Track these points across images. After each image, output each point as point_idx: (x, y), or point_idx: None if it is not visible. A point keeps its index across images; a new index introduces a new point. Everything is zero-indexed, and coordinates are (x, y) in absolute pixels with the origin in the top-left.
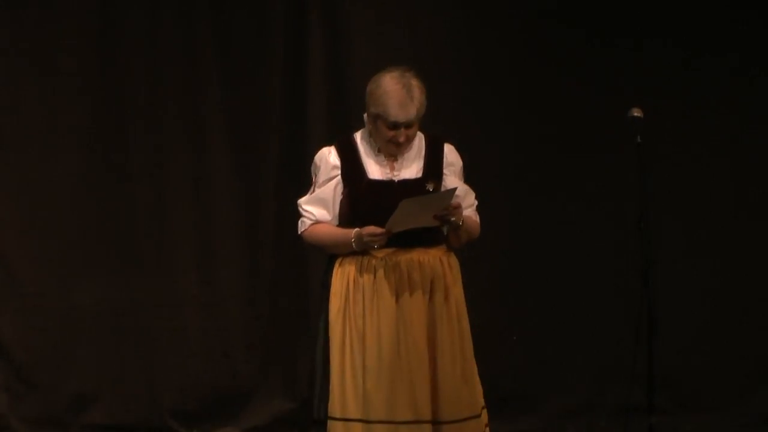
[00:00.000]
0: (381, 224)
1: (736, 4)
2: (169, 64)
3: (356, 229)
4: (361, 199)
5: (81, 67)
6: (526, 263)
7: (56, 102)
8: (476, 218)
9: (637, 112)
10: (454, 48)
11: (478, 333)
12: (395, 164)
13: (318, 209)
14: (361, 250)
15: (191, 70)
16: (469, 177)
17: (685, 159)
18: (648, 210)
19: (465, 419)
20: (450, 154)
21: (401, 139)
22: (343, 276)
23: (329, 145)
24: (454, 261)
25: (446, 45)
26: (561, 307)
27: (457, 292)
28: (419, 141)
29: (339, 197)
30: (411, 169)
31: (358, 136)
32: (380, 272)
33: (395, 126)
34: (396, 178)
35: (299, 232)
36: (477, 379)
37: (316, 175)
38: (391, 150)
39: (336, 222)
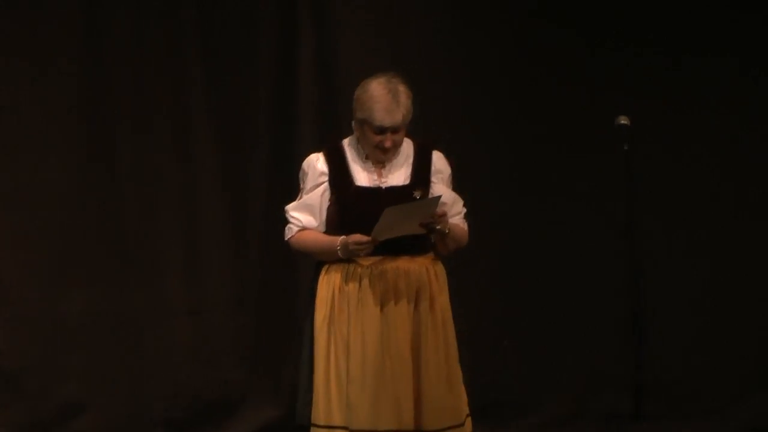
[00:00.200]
0: (368, 231)
1: (726, 7)
2: (155, 69)
3: (342, 237)
4: (349, 205)
5: (67, 75)
6: (515, 270)
7: (42, 111)
8: (464, 226)
9: (624, 120)
10: (443, 52)
11: (466, 340)
12: (383, 171)
13: (305, 216)
14: (347, 258)
15: (178, 74)
16: (457, 182)
17: (675, 163)
18: (636, 217)
19: (448, 428)
20: (438, 161)
21: (387, 144)
22: (329, 283)
23: (317, 151)
24: (441, 269)
25: (436, 49)
26: (550, 314)
27: (443, 300)
28: (407, 148)
29: (326, 204)
30: (399, 176)
31: (346, 143)
32: (366, 281)
33: (381, 131)
34: (383, 185)
35: (286, 239)
36: (462, 387)
37: (303, 182)
38: (378, 156)
39: (323, 228)
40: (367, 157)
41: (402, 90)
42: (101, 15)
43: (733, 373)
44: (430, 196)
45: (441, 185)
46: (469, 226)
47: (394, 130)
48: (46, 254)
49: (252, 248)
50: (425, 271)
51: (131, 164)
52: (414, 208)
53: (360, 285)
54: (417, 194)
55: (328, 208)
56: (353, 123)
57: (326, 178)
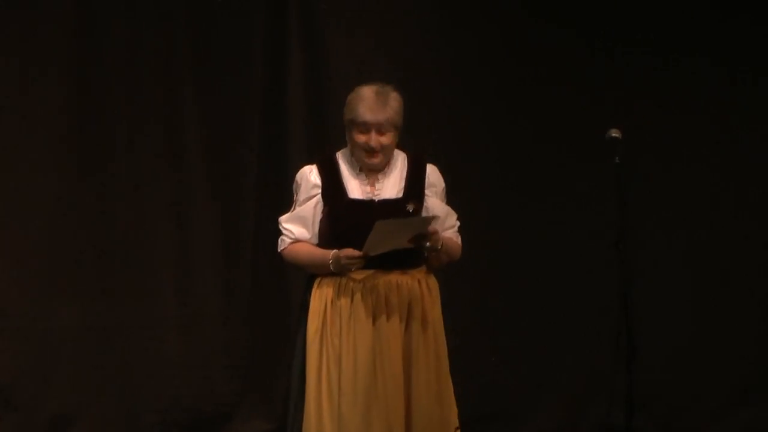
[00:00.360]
0: (360, 244)
1: (719, 16)
2: (146, 79)
3: (334, 251)
4: (341, 218)
5: (56, 86)
6: (505, 282)
7: (31, 122)
8: (458, 240)
9: (615, 133)
10: (433, 58)
11: (457, 353)
12: (376, 184)
13: (297, 227)
14: (338, 272)
15: (168, 84)
16: (448, 194)
17: (665, 176)
18: (626, 230)
19: None
20: (432, 174)
21: (372, 143)
22: (321, 296)
23: (309, 162)
24: (434, 283)
25: (426, 54)
26: (540, 327)
27: (435, 314)
28: (401, 161)
29: (319, 216)
30: (392, 188)
31: (339, 155)
32: (357, 295)
33: (365, 127)
34: (376, 198)
35: (279, 250)
36: (452, 400)
37: (296, 194)
38: (365, 161)
39: (316, 241)
40: (360, 170)
41: (392, 95)
42: (94, 23)
43: (724, 386)
44: (423, 209)
45: (435, 198)
46: (462, 239)
47: (379, 129)
48: (35, 267)
49: (243, 261)
50: (417, 284)
51: (120, 176)
52: (406, 224)
53: (352, 299)
54: (410, 207)
55: (321, 220)
56: (346, 134)
57: (319, 190)
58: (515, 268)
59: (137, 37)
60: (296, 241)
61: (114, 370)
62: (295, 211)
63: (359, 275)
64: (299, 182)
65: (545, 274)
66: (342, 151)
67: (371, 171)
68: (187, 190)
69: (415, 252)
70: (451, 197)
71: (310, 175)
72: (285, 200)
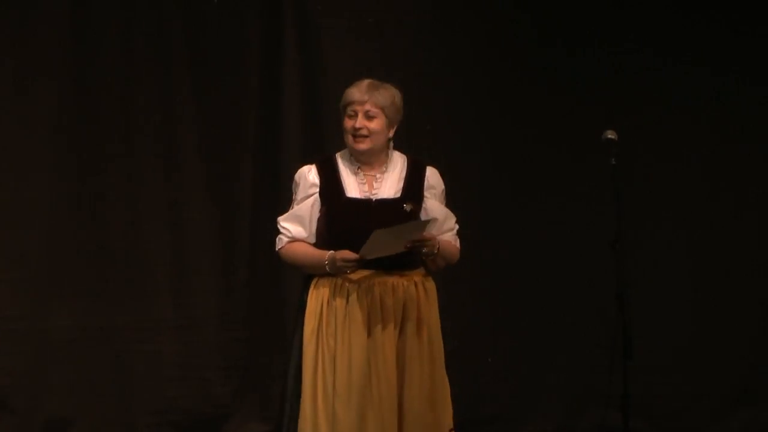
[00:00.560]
0: (358, 244)
1: (714, 18)
2: (143, 85)
3: (330, 252)
4: (339, 217)
5: (51, 90)
6: (502, 286)
7: (28, 125)
8: (456, 243)
9: (611, 134)
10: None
11: (454, 355)
12: (374, 183)
13: (294, 226)
14: (334, 273)
15: (164, 88)
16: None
17: (661, 176)
18: (623, 231)
19: None
20: (432, 176)
21: (357, 125)
22: (318, 297)
23: (306, 163)
24: (431, 285)
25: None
26: (538, 329)
27: (432, 316)
28: (401, 162)
29: (316, 215)
30: (390, 188)
31: (339, 155)
32: (353, 296)
33: (353, 111)
34: (374, 197)
35: (276, 249)
36: (447, 402)
37: (295, 193)
38: (354, 147)
39: (313, 240)
40: (359, 169)
41: (388, 86)
42: (90, 25)
43: (721, 387)
44: (422, 210)
45: (434, 200)
46: (461, 243)
47: (367, 113)
48: (32, 269)
49: (239, 263)
50: (414, 286)
51: (117, 178)
52: (403, 230)
53: (347, 300)
54: (407, 207)
55: (319, 220)
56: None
57: (317, 190)
58: (512, 270)
59: (133, 39)
60: (293, 240)
61: (111, 371)
62: (292, 210)
63: (355, 276)
64: (298, 181)
65: (542, 276)
66: (342, 152)
67: (369, 170)
68: (184, 191)
69: (412, 254)
70: (448, 199)
71: (308, 175)
72: (281, 202)
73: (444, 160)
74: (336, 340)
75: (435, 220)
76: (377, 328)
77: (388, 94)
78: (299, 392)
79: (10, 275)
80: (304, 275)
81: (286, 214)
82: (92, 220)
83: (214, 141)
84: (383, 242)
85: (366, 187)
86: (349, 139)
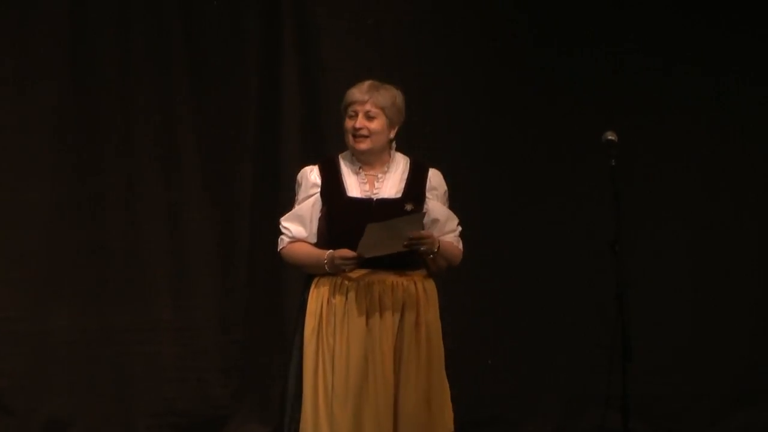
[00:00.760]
0: (358, 244)
1: (713, 20)
2: (141, 87)
3: (329, 251)
4: (339, 216)
5: (51, 92)
6: (502, 286)
7: (27, 127)
8: (458, 245)
9: (611, 136)
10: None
11: (453, 357)
12: (375, 183)
13: (295, 226)
14: (333, 272)
15: (163, 91)
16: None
17: (661, 177)
18: (623, 232)
19: None
20: (434, 178)
21: (358, 125)
22: (318, 296)
23: (305, 165)
24: (431, 285)
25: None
26: (537, 330)
27: (430, 316)
28: (403, 163)
29: (317, 215)
30: (391, 188)
31: (341, 156)
32: (352, 294)
33: (353, 111)
34: (375, 197)
35: (278, 250)
36: (446, 403)
37: (297, 193)
38: (354, 146)
39: (314, 239)
40: (360, 169)
41: (389, 87)
42: (88, 28)
43: (720, 388)
44: (424, 212)
45: (435, 201)
46: (464, 246)
47: (367, 114)
48: (31, 270)
49: (239, 264)
50: (413, 286)
51: (116, 179)
52: (397, 225)
53: (346, 298)
54: (408, 207)
55: (320, 219)
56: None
57: (318, 190)
58: (512, 271)
59: (133, 40)
60: (294, 239)
61: (110, 373)
62: (293, 210)
63: (354, 274)
64: (300, 182)
65: (542, 277)
66: (344, 152)
67: (370, 170)
68: (183, 193)
69: (413, 254)
70: (450, 201)
71: (310, 175)
72: (280, 204)
73: (443, 161)
74: (335, 339)
75: (425, 212)
76: (375, 326)
77: (389, 95)
78: (300, 392)
79: (10, 276)
80: (305, 275)
81: (288, 214)
82: (91, 221)
83: (214, 142)
84: (380, 239)
85: (367, 187)
86: (350, 139)
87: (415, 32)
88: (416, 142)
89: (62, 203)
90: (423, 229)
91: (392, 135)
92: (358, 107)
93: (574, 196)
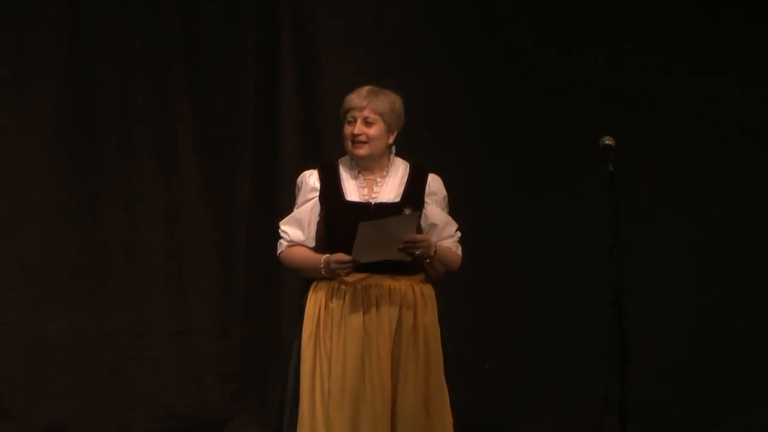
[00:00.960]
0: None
1: (710, 24)
2: (139, 89)
3: (326, 256)
4: (337, 220)
5: (49, 95)
6: (500, 290)
7: (25, 131)
8: (457, 250)
9: (608, 140)
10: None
11: (451, 360)
12: (374, 187)
13: (293, 229)
14: (329, 277)
15: (161, 94)
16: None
17: (659, 182)
18: (621, 237)
19: None
20: (433, 183)
21: (356, 131)
22: (316, 300)
23: (307, 168)
24: (429, 290)
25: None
26: (534, 335)
27: (428, 321)
28: (402, 168)
29: (316, 219)
30: (389, 193)
31: (341, 161)
32: (349, 298)
33: (352, 117)
34: (373, 201)
35: (277, 254)
36: (445, 408)
37: (296, 197)
38: (353, 151)
39: (312, 243)
40: (359, 173)
41: (388, 92)
42: (86, 31)
43: (717, 393)
44: (423, 216)
45: (434, 206)
46: (463, 251)
47: (366, 120)
48: (29, 274)
49: (236, 268)
50: (411, 291)
51: (114, 183)
52: (390, 225)
53: (344, 301)
54: (407, 212)
55: (319, 223)
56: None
57: (317, 194)
58: (511, 274)
59: (132, 43)
60: (292, 243)
61: (108, 377)
62: (292, 214)
63: (351, 278)
64: (299, 185)
65: (540, 281)
66: (344, 156)
67: (369, 174)
68: (181, 197)
69: (411, 259)
70: (450, 206)
71: (309, 179)
72: (278, 208)
73: (442, 163)
74: (332, 343)
75: (420, 213)
76: (372, 330)
77: (388, 100)
78: (297, 395)
79: (7, 280)
80: (304, 280)
81: (287, 217)
82: (89, 224)
83: (212, 145)
84: (374, 241)
85: (366, 191)
86: (349, 144)
87: (414, 33)
88: (416, 142)
89: (60, 206)
90: (417, 230)
91: (391, 140)
92: (356, 113)
93: (574, 197)
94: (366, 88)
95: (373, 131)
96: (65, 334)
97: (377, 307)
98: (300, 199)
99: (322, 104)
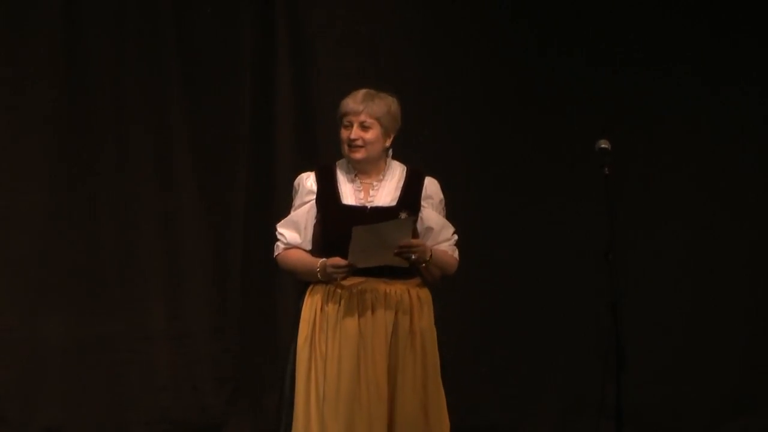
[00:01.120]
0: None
1: (705, 27)
2: (135, 94)
3: (322, 260)
4: (333, 223)
5: (45, 97)
6: (495, 294)
7: (20, 134)
8: (453, 254)
9: (604, 144)
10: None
11: (448, 364)
12: (370, 191)
13: (290, 232)
14: (326, 280)
15: (157, 97)
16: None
17: (655, 185)
18: (617, 241)
19: None
20: (430, 186)
21: (352, 136)
22: (312, 304)
23: (305, 171)
24: (425, 294)
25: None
26: (530, 339)
27: (425, 324)
28: (399, 172)
29: (312, 221)
30: (386, 196)
31: (338, 165)
32: (344, 301)
33: (349, 121)
34: (369, 204)
35: (273, 256)
36: (442, 412)
37: (294, 199)
38: (349, 155)
39: (308, 246)
40: (356, 176)
41: (384, 95)
42: (82, 36)
43: (714, 397)
44: (419, 219)
45: (430, 210)
46: (460, 254)
47: (362, 124)
48: (24, 279)
49: (232, 272)
50: (407, 294)
51: (110, 188)
52: (385, 230)
53: (339, 305)
54: (403, 215)
55: (315, 226)
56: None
57: (313, 197)
58: (508, 277)
59: (127, 47)
60: (288, 246)
61: (103, 382)
62: (289, 216)
63: (348, 282)
64: (296, 188)
65: (539, 282)
66: (341, 160)
67: (366, 178)
68: (177, 201)
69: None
70: (447, 209)
71: (306, 182)
72: (275, 210)
73: (440, 164)
74: (327, 346)
75: (415, 219)
76: (367, 334)
77: (384, 104)
78: (293, 399)
79: (2, 285)
80: (300, 283)
81: (283, 220)
82: (84, 230)
83: (207, 151)
84: (368, 245)
85: (362, 195)
86: (345, 148)
87: (411, 34)
88: (413, 145)
89: (56, 212)
90: (413, 235)
91: (388, 143)
92: (352, 117)
93: (573, 197)
94: (362, 92)
95: (369, 135)
96: (61, 338)
97: (373, 311)
98: (297, 202)
99: (319, 106)
